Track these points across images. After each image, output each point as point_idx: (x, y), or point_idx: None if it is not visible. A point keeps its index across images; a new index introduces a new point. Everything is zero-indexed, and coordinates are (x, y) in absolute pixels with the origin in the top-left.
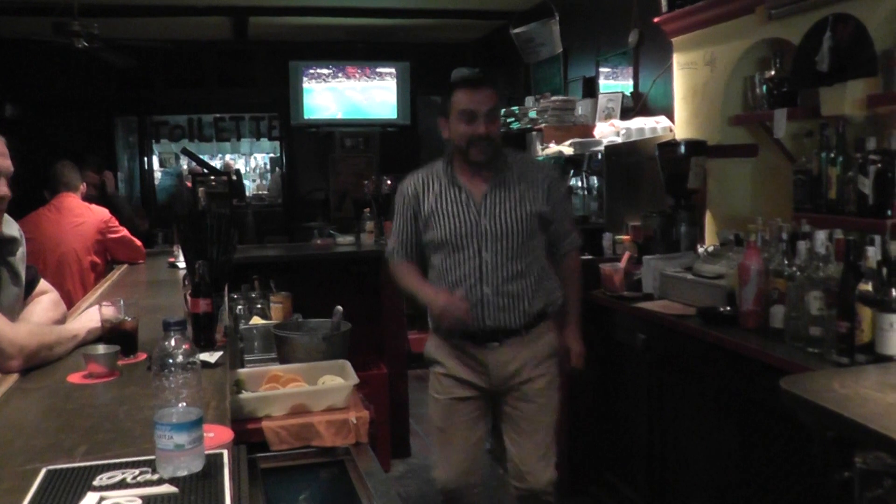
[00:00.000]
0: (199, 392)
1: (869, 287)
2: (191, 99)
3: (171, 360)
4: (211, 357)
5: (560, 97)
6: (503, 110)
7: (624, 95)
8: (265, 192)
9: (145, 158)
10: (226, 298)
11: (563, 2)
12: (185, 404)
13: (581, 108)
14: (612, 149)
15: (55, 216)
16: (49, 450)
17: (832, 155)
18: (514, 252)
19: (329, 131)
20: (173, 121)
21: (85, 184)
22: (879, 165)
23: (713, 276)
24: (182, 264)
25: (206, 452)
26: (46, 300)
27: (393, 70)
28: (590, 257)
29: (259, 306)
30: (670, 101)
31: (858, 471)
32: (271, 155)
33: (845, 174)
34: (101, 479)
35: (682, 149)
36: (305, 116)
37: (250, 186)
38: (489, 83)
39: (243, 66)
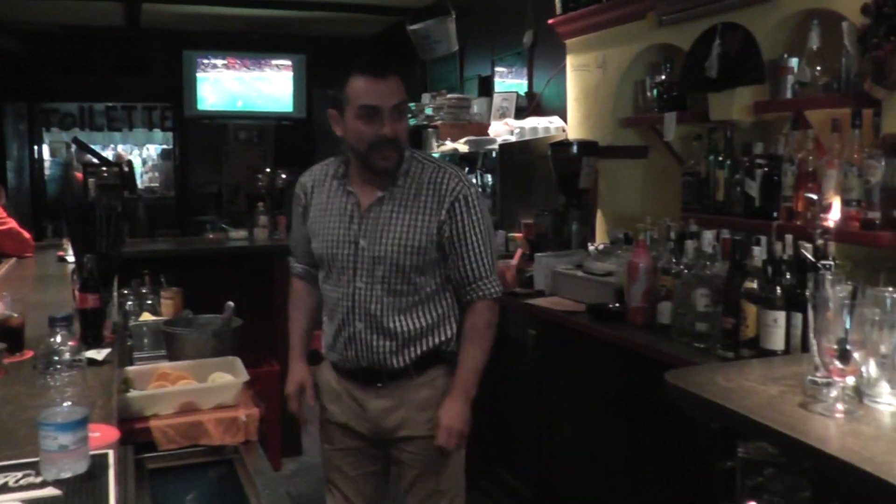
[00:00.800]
0: (84, 391)
1: (754, 285)
2: (83, 86)
3: (56, 358)
4: (98, 354)
5: (456, 95)
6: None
7: (518, 95)
8: (157, 185)
9: (35, 147)
10: (115, 294)
11: (459, 0)
12: (70, 403)
13: (476, 106)
14: (506, 147)
15: None
16: None
17: (720, 158)
18: (392, 286)
19: (223, 123)
20: (64, 108)
21: None
22: (766, 169)
23: (603, 273)
24: (71, 258)
25: (91, 453)
26: None
27: (289, 62)
28: None
29: (149, 302)
30: (563, 101)
31: (741, 460)
32: (164, 146)
33: (732, 177)
34: None
35: (575, 149)
36: (199, 107)
37: (142, 178)
38: (395, 71)
39: (137, 54)
